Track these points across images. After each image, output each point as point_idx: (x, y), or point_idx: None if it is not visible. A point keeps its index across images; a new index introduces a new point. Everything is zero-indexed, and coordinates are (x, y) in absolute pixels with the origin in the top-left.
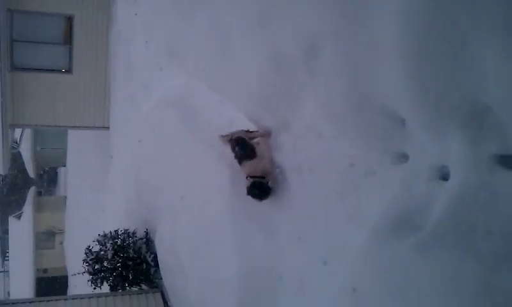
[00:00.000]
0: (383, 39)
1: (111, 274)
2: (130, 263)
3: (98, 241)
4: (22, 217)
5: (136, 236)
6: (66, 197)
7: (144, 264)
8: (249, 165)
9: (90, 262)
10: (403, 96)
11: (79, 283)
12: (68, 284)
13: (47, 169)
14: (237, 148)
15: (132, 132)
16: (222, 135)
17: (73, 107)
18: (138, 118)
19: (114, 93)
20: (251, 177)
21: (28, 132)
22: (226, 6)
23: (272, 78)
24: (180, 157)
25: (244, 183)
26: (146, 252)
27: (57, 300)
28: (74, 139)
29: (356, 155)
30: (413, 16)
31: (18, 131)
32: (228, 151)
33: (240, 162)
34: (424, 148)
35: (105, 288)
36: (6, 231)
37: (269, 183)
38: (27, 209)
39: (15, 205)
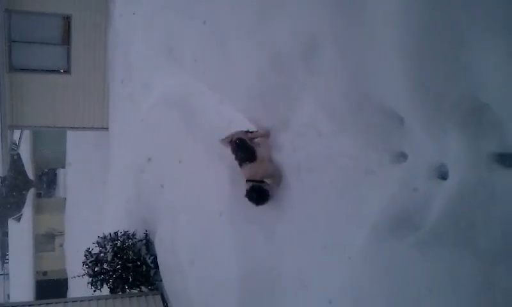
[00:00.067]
0: (383, 38)
1: (111, 276)
2: (130, 265)
3: (97, 243)
4: (21, 219)
5: (135, 238)
6: (65, 199)
7: (144, 266)
8: (250, 168)
9: (90, 264)
10: (402, 95)
11: (79, 286)
12: (68, 286)
13: (46, 170)
14: (237, 151)
15: (131, 133)
16: (222, 139)
17: (72, 107)
18: (137, 118)
19: (113, 93)
20: (250, 181)
21: (27, 134)
22: (225, 6)
23: (272, 77)
24: (179, 157)
25: (244, 186)
26: (146, 254)
27: (57, 302)
28: (73, 140)
29: (355, 154)
30: (412, 16)
31: (17, 132)
32: (228, 152)
33: (240, 165)
34: (422, 146)
35: (105, 290)
36: (6, 234)
37: (268, 187)
38: (27, 211)
39: (14, 207)
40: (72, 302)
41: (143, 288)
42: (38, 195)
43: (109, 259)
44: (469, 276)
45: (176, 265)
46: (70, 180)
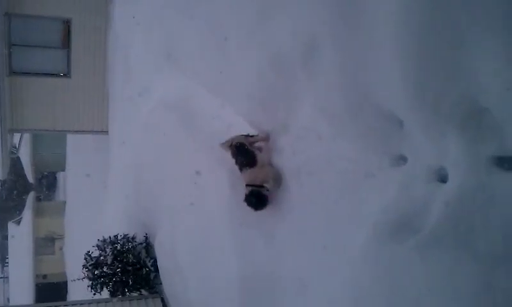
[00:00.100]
0: (382, 39)
1: (111, 279)
2: (130, 268)
3: (97, 246)
4: (21, 223)
5: (135, 241)
6: (65, 202)
7: (144, 269)
8: (250, 173)
9: (90, 267)
10: (401, 98)
11: (79, 289)
12: (68, 290)
13: (46, 174)
14: (238, 155)
15: (131, 136)
16: (222, 143)
17: (72, 111)
18: (137, 122)
19: (113, 96)
20: (250, 185)
21: (27, 137)
22: (225, 8)
23: (271, 80)
24: (179, 160)
25: (243, 190)
26: (146, 257)
27: (56, 306)
28: (73, 143)
29: (355, 157)
30: (411, 17)
31: (17, 136)
32: (228, 156)
33: (241, 169)
34: (422, 150)
35: (105, 293)
36: (6, 237)
37: (268, 192)
38: (27, 214)
39: (14, 211)
40: (72, 305)
41: (143, 291)
42: (38, 198)
43: (108, 262)
44: (469, 279)
45: (176, 268)
46: (69, 183)
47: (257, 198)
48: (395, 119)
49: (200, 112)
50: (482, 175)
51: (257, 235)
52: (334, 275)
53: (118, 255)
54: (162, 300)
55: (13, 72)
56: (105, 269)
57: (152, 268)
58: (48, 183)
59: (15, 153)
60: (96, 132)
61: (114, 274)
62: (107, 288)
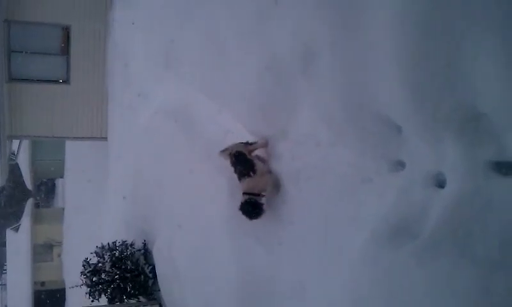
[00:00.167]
0: (379, 45)
1: (109, 286)
2: (128, 275)
3: (96, 253)
4: (19, 230)
5: (133, 248)
6: (64, 209)
7: (142, 276)
8: (248, 182)
9: (88, 274)
10: (399, 104)
11: (77, 296)
12: (66, 297)
13: (44, 180)
14: (236, 164)
15: (130, 142)
16: (222, 151)
17: (71, 117)
18: (136, 128)
19: (112, 103)
20: (247, 194)
21: (26, 144)
22: (223, 13)
23: (270, 85)
24: (177, 166)
25: (240, 198)
26: (145, 264)
27: None
28: (72, 150)
29: (353, 162)
30: (409, 22)
31: (15, 142)
32: (227, 163)
33: (239, 178)
34: (420, 155)
35: (103, 300)
36: (4, 244)
37: (264, 200)
38: (25, 221)
39: (12, 217)
40: None
41: (141, 298)
42: (37, 205)
43: (107, 269)
44: (467, 283)
45: (174, 274)
46: (68, 190)
47: (253, 207)
48: (393, 125)
49: (198, 118)
50: (480, 180)
51: (256, 240)
52: (333, 279)
53: (117, 262)
54: (161, 306)
55: (12, 79)
56: (103, 276)
57: (150, 275)
58: (46, 189)
59: (14, 160)
60: (95, 139)
61: (113, 280)
62: (105, 294)
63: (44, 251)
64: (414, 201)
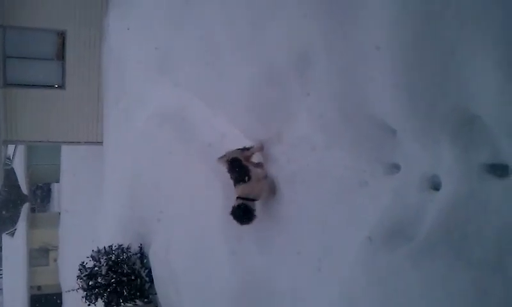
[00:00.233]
0: (374, 49)
1: (105, 290)
2: (125, 278)
3: (92, 257)
4: (15, 234)
5: (130, 252)
6: (60, 213)
7: (138, 279)
8: (243, 188)
9: (84, 278)
10: (394, 107)
11: (74, 300)
12: (63, 301)
13: (40, 185)
14: (232, 171)
15: (126, 147)
16: (220, 158)
17: (66, 122)
18: (132, 132)
19: (107, 107)
20: (241, 198)
21: (21, 148)
22: (218, 19)
23: (265, 89)
24: (173, 170)
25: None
26: (141, 267)
27: None
28: (68, 154)
29: (348, 166)
30: (402, 26)
31: (11, 147)
32: (222, 166)
33: (235, 184)
34: (415, 157)
35: (100, 304)
36: (0, 249)
37: (255, 206)
38: (21, 226)
39: (8, 222)
40: None
41: (138, 302)
42: (32, 210)
43: (103, 273)
44: (463, 286)
45: (170, 278)
46: (64, 194)
47: (244, 212)
48: (388, 128)
49: (194, 122)
50: (475, 182)
51: (252, 244)
52: (329, 281)
53: (113, 266)
54: None
55: (7, 84)
56: (99, 280)
57: (147, 279)
58: (42, 194)
59: (9, 165)
60: (91, 143)
61: (109, 284)
62: (101, 298)
63: (40, 255)
64: (409, 203)
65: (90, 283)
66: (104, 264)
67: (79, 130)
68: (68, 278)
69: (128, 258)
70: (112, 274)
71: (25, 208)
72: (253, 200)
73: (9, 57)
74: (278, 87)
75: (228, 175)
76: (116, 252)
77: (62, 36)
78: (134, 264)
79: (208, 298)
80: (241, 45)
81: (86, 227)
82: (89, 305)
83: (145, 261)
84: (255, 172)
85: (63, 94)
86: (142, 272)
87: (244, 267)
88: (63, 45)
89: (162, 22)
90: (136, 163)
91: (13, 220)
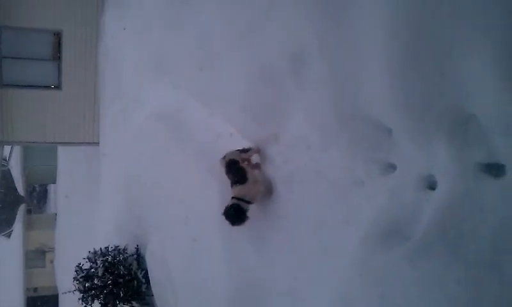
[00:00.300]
0: (369, 49)
1: (102, 291)
2: (121, 280)
3: (88, 258)
4: (11, 236)
5: (126, 253)
6: (56, 214)
7: (135, 281)
8: (240, 189)
9: (80, 280)
10: (389, 107)
11: (70, 302)
12: (59, 303)
13: (37, 186)
14: (229, 173)
15: (122, 147)
16: (221, 159)
17: (62, 123)
18: (128, 133)
19: (104, 108)
20: (236, 199)
21: (18, 149)
22: (215, 19)
23: (261, 89)
24: (169, 171)
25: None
26: (137, 269)
27: None
28: (64, 155)
29: (344, 166)
30: (398, 27)
31: (7, 148)
32: (218, 166)
33: (231, 185)
34: (410, 157)
35: (96, 306)
36: None
37: (249, 207)
38: (17, 227)
39: (4, 223)
40: None
41: (135, 304)
42: (29, 211)
43: (99, 274)
44: (459, 285)
45: (167, 279)
46: (60, 195)
47: (236, 212)
48: (384, 128)
49: (190, 122)
50: (471, 182)
51: (248, 243)
52: (325, 281)
53: (109, 267)
54: None
55: (3, 85)
56: (96, 281)
57: (143, 280)
58: (39, 195)
59: (6, 166)
60: (87, 144)
61: (105, 286)
62: (98, 300)
63: (36, 256)
64: (405, 203)
65: (87, 285)
66: (101, 265)
67: (76, 130)
68: (64, 280)
69: (125, 259)
70: (108, 276)
71: (21, 210)
72: (248, 202)
73: (5, 58)
74: (274, 87)
75: (224, 175)
76: (112, 254)
77: (58, 36)
78: (130, 265)
79: (204, 299)
80: (237, 45)
81: (83, 228)
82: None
83: (142, 262)
84: (252, 174)
85: (59, 95)
86: (138, 273)
87: (241, 267)
88: (59, 45)
89: (159, 22)
90: (132, 164)
91: (9, 222)
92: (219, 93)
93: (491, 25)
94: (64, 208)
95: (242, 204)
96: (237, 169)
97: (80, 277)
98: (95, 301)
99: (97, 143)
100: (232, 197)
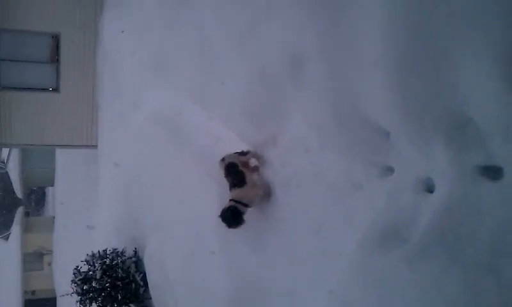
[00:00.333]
0: (367, 52)
1: (100, 294)
2: (119, 283)
3: (86, 261)
4: (9, 238)
5: (124, 256)
6: (54, 217)
7: (133, 284)
8: (238, 192)
9: (78, 282)
10: (388, 109)
11: (68, 304)
12: (57, 305)
13: (35, 189)
14: (228, 175)
15: (121, 150)
16: (220, 161)
17: (61, 126)
18: (126, 135)
19: (102, 111)
20: (234, 201)
21: (16, 152)
22: (213, 22)
23: (259, 92)
24: (168, 173)
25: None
26: (136, 271)
27: None
28: (62, 158)
29: (343, 169)
30: (396, 29)
31: (5, 151)
32: (217, 168)
33: (230, 188)
34: (408, 160)
35: None
36: None
37: (246, 210)
38: (15, 230)
39: (2, 226)
40: None
41: (132, 306)
42: (27, 214)
43: (97, 277)
44: (456, 288)
45: (165, 281)
46: (58, 198)
47: (233, 214)
48: (381, 131)
49: (189, 125)
50: (469, 185)
51: (247, 245)
52: (323, 284)
53: (107, 270)
54: None
55: (1, 87)
56: (94, 284)
57: (142, 283)
58: (37, 198)
59: (4, 168)
60: (86, 147)
61: (103, 289)
62: (96, 303)
63: (34, 259)
64: (403, 206)
65: (84, 287)
66: (99, 268)
67: (74, 133)
68: (62, 282)
69: (123, 262)
70: (106, 278)
71: (19, 212)
72: (246, 205)
73: (3, 60)
74: (272, 90)
75: (222, 177)
76: (110, 256)
77: (56, 38)
78: (128, 268)
79: (204, 300)
80: (236, 47)
81: (81, 231)
82: None
83: (140, 265)
84: (250, 178)
85: (58, 98)
86: (137, 276)
87: (240, 268)
88: (57, 47)
89: (157, 24)
90: (130, 167)
91: (7, 224)
92: (218, 96)
93: (490, 26)
94: (62, 211)
95: (240, 207)
96: (236, 172)
97: (78, 280)
98: (93, 304)
99: (95, 146)
100: (230, 200)
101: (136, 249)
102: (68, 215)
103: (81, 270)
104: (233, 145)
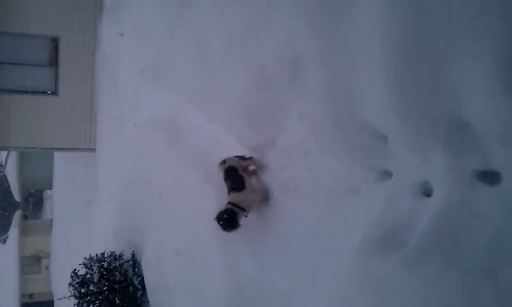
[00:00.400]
0: (366, 56)
1: (97, 297)
2: (117, 286)
3: (84, 264)
4: (7, 241)
5: (122, 259)
6: (52, 220)
7: (131, 287)
8: (237, 195)
9: (76, 286)
10: (385, 114)
11: None
12: None
13: (33, 192)
14: (227, 179)
15: (119, 153)
16: (220, 164)
17: (59, 129)
18: (125, 139)
19: (101, 114)
20: (231, 204)
21: (14, 155)
22: (212, 25)
23: (258, 96)
24: (167, 176)
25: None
26: (133, 275)
27: None
28: (61, 161)
29: (340, 172)
30: (394, 33)
31: (3, 154)
32: (215, 171)
33: (228, 192)
34: (406, 164)
35: None
36: None
37: (242, 214)
38: (13, 233)
39: (0, 229)
40: None
41: None
42: (25, 217)
43: (95, 280)
44: (455, 292)
45: (162, 285)
46: (56, 201)
47: (229, 217)
48: (379, 135)
49: (187, 128)
50: (466, 189)
51: (244, 249)
52: (322, 288)
53: (105, 273)
54: None
55: (0, 90)
56: (91, 287)
57: (139, 286)
58: (35, 201)
59: (1, 171)
60: (84, 150)
61: (101, 292)
62: (93, 306)
63: (32, 262)
64: (401, 210)
65: (82, 291)
66: (96, 271)
67: (72, 136)
68: (60, 286)
69: (121, 265)
70: (104, 282)
71: (17, 215)
72: (243, 209)
73: (2, 63)
74: (270, 93)
75: (220, 180)
76: (108, 260)
77: (55, 42)
78: (126, 271)
79: (201, 302)
80: (235, 50)
81: (79, 234)
82: None
83: (138, 268)
84: (249, 183)
85: (56, 101)
86: (134, 279)
87: (238, 270)
88: (56, 51)
89: (156, 28)
90: (128, 170)
91: (5, 227)
92: (217, 99)
93: (487, 33)
94: (60, 214)
95: (236, 210)
96: (235, 176)
97: (76, 283)
98: None
99: (94, 149)
100: (227, 203)
101: (133, 252)
102: (66, 218)
103: (79, 273)
104: (232, 148)
